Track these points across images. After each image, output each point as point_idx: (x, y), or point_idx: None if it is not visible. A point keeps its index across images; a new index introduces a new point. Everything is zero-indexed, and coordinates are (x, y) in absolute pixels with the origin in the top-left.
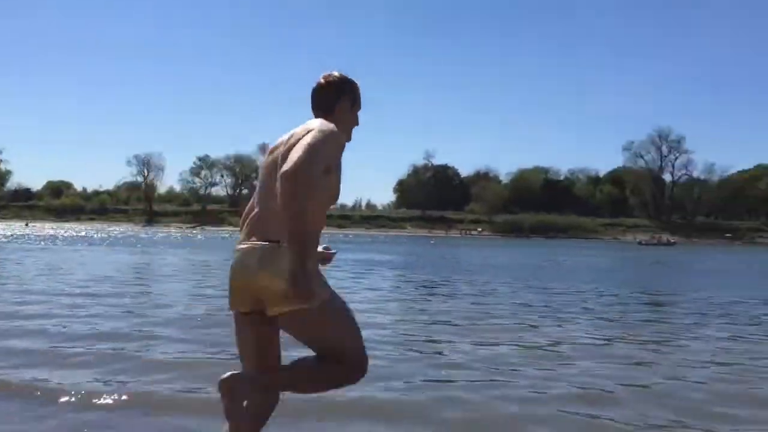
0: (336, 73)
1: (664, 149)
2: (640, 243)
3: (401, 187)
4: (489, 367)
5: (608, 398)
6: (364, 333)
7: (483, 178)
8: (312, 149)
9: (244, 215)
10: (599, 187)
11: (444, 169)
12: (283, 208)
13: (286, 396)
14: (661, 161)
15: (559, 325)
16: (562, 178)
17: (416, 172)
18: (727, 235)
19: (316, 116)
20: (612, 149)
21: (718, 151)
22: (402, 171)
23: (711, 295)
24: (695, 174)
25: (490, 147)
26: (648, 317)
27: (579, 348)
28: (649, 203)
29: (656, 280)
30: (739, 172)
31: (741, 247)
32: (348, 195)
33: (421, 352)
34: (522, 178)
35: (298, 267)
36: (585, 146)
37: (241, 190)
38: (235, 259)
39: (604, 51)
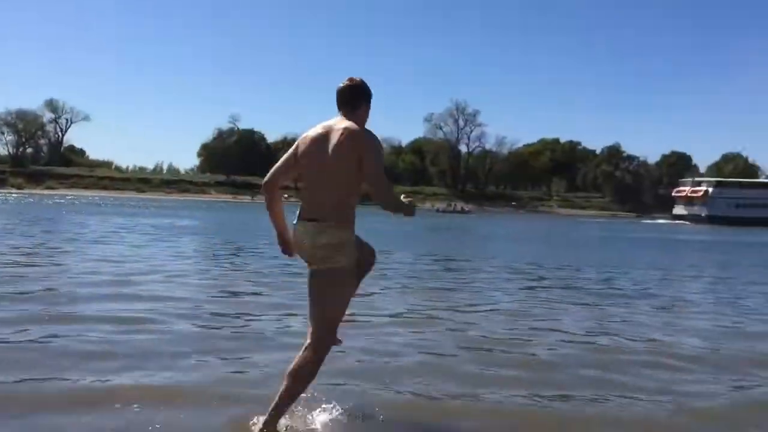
0: (358, 79)
1: (461, 122)
2: (438, 211)
3: (205, 151)
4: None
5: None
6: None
7: (290, 144)
8: (379, 159)
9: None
10: (401, 156)
11: (250, 133)
12: (378, 196)
13: None
14: (458, 133)
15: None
16: None
17: (221, 135)
18: (513, 203)
19: (343, 112)
20: (415, 120)
21: (508, 125)
22: (207, 134)
23: (502, 257)
24: (488, 146)
25: (296, 113)
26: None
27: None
28: (447, 173)
29: (453, 246)
30: (525, 145)
31: (524, 214)
32: (148, 157)
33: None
34: None
35: (399, 211)
36: (390, 116)
37: (25, 148)
38: (297, 233)
39: (404, 22)
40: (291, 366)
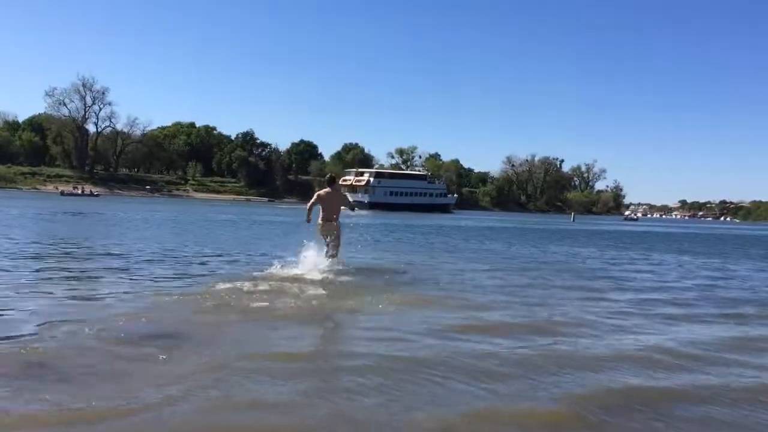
0: (333, 173)
1: (89, 99)
2: (62, 194)
3: None
4: None
5: None
6: None
7: None
8: (348, 199)
9: (323, 210)
10: (18, 133)
11: None
12: (350, 206)
13: None
14: (86, 111)
15: None
16: None
17: None
18: (147, 187)
19: (330, 185)
20: (35, 94)
21: (141, 106)
22: None
23: (127, 243)
24: (119, 127)
25: None
26: (69, 266)
27: None
28: (72, 153)
29: (78, 231)
30: (159, 128)
31: (160, 198)
32: None
33: None
34: None
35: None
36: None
37: None
38: (324, 225)
39: None
40: (328, 261)
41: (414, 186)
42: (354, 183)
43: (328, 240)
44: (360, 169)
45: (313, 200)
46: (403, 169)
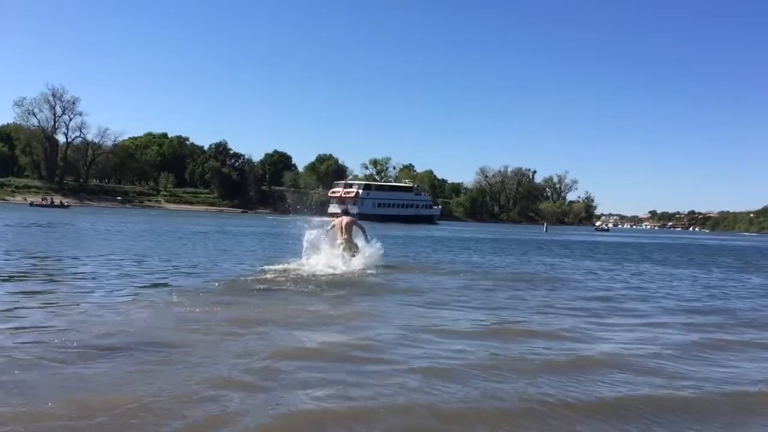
0: (346, 206)
1: (59, 109)
2: (31, 204)
3: None
4: None
5: None
6: None
7: None
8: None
9: (339, 233)
10: None
11: None
12: (366, 238)
13: None
14: (55, 121)
15: None
16: None
17: None
18: (119, 198)
19: (344, 215)
20: (1, 103)
21: (111, 117)
22: None
23: (105, 254)
24: (90, 137)
25: None
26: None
27: None
28: (42, 164)
29: (47, 243)
30: (131, 138)
31: (131, 209)
32: None
33: None
34: None
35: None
36: None
37: None
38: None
39: None
40: (348, 257)
41: (401, 198)
42: (343, 195)
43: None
44: (349, 181)
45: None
46: (377, 180)
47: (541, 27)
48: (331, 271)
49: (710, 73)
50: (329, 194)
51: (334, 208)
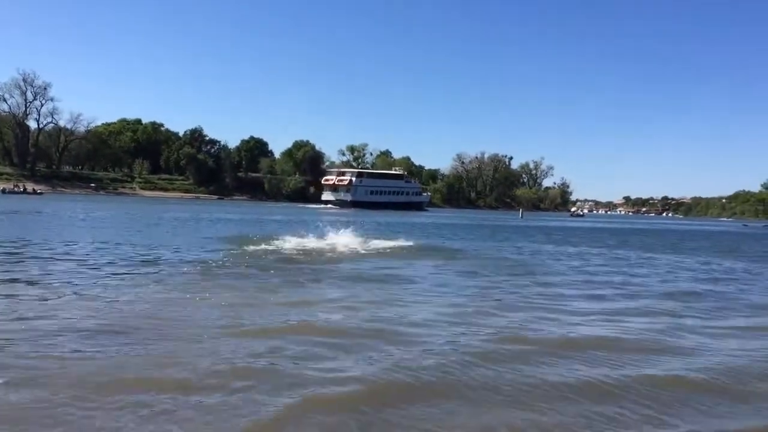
0: None
1: (30, 94)
2: (3, 191)
3: None
4: None
5: None
6: None
7: None
8: None
9: None
10: None
11: None
12: None
13: None
14: (26, 107)
15: None
16: None
17: None
18: (93, 185)
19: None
20: None
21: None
22: None
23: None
24: (62, 123)
25: None
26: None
27: None
28: (12, 150)
29: (20, 231)
30: (104, 124)
31: (105, 196)
32: None
33: None
34: None
35: None
36: None
37: None
38: None
39: None
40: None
41: (393, 185)
42: (336, 183)
43: None
44: (342, 169)
45: None
46: (354, 167)
47: (512, 13)
48: None
49: (688, 55)
50: (322, 182)
51: (327, 196)
